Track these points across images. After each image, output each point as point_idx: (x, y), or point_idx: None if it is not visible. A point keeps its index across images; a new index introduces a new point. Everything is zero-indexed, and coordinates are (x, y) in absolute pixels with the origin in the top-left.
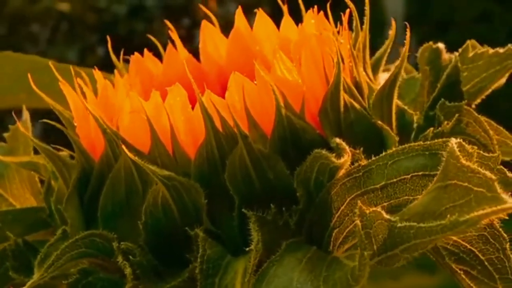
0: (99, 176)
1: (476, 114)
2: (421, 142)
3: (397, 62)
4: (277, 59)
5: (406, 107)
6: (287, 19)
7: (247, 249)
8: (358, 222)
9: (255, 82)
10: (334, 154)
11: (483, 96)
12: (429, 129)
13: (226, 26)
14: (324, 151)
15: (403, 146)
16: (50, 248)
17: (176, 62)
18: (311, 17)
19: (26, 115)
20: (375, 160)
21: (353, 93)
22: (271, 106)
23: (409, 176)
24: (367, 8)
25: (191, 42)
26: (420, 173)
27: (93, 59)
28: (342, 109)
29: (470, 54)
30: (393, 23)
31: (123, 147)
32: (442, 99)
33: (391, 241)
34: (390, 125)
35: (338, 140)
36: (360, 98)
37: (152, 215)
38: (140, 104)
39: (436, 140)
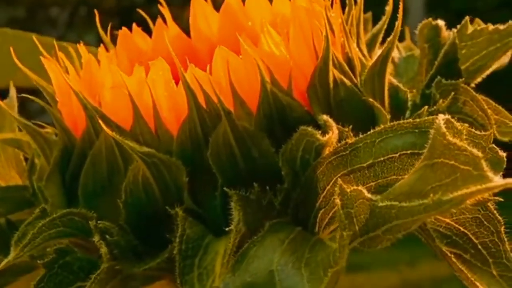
0: (80, 154)
1: (474, 93)
2: (411, 120)
3: (390, 38)
4: (264, 33)
5: (400, 85)
6: None
7: (227, 229)
8: (337, 201)
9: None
10: (320, 132)
11: (483, 75)
12: (423, 108)
13: None
14: (310, 128)
15: (392, 124)
16: (28, 227)
17: (165, 38)
18: None
19: (12, 91)
20: (363, 137)
21: (343, 69)
22: (257, 82)
23: (397, 155)
24: None
25: None
26: (409, 151)
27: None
28: (331, 85)
29: (469, 31)
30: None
31: (101, 122)
32: (439, 77)
33: (373, 221)
34: (382, 103)
35: (325, 117)
36: (351, 74)
37: (132, 194)
38: (122, 79)
39: (425, 118)
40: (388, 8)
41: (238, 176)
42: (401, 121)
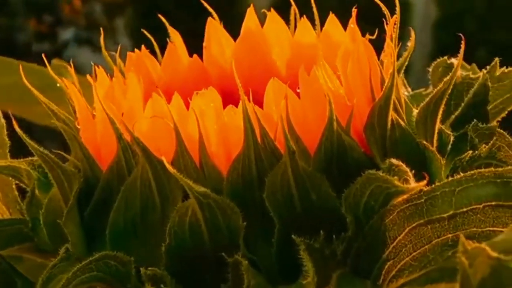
0: (105, 188)
1: (511, 138)
2: (492, 169)
3: (447, 78)
4: (320, 66)
5: (443, 127)
6: (304, 23)
7: (305, 282)
8: (463, 259)
9: (298, 90)
10: (396, 178)
11: (499, 118)
12: (467, 152)
13: (92, 25)
14: (381, 173)
15: (472, 172)
16: (54, 270)
17: (177, 62)
18: (334, 21)
19: None
20: (440, 186)
21: (397, 108)
22: (314, 118)
23: (481, 206)
24: (397, 13)
25: (53, 40)
26: (493, 203)
27: None
28: (389, 125)
29: (498, 73)
30: (413, 34)
31: (150, 155)
32: (475, 120)
33: (494, 283)
34: (431, 145)
35: (395, 161)
36: (403, 114)
37: (176, 237)
38: (166, 108)
39: (509, 168)
40: (411, 44)
41: (296, 222)
42: (482, 170)
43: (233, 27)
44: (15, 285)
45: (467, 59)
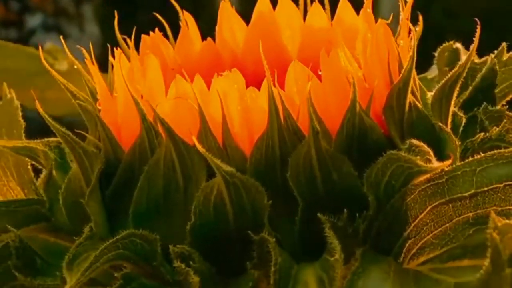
0: (127, 169)
1: None
2: (511, 149)
3: (462, 61)
4: (341, 49)
5: (456, 109)
6: (316, 7)
7: (332, 259)
8: (495, 235)
9: (320, 73)
10: (418, 158)
11: (503, 102)
12: (478, 134)
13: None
14: (402, 153)
15: (492, 153)
16: (79, 248)
17: (190, 45)
18: (346, 6)
19: (12, 93)
20: (461, 166)
21: (413, 91)
22: (334, 100)
23: (502, 185)
24: None
25: (20, 27)
26: None
27: None
28: (407, 107)
29: (505, 58)
30: (420, 18)
31: (174, 135)
32: (485, 103)
33: None
34: (446, 127)
35: (415, 141)
36: (419, 97)
37: (201, 216)
38: (189, 90)
39: None
40: (418, 29)
41: (318, 201)
42: (501, 150)
43: (203, 16)
44: (35, 263)
45: (435, 48)
